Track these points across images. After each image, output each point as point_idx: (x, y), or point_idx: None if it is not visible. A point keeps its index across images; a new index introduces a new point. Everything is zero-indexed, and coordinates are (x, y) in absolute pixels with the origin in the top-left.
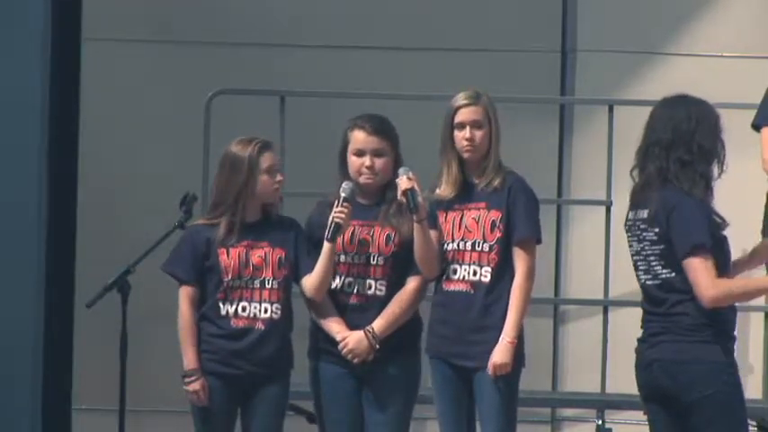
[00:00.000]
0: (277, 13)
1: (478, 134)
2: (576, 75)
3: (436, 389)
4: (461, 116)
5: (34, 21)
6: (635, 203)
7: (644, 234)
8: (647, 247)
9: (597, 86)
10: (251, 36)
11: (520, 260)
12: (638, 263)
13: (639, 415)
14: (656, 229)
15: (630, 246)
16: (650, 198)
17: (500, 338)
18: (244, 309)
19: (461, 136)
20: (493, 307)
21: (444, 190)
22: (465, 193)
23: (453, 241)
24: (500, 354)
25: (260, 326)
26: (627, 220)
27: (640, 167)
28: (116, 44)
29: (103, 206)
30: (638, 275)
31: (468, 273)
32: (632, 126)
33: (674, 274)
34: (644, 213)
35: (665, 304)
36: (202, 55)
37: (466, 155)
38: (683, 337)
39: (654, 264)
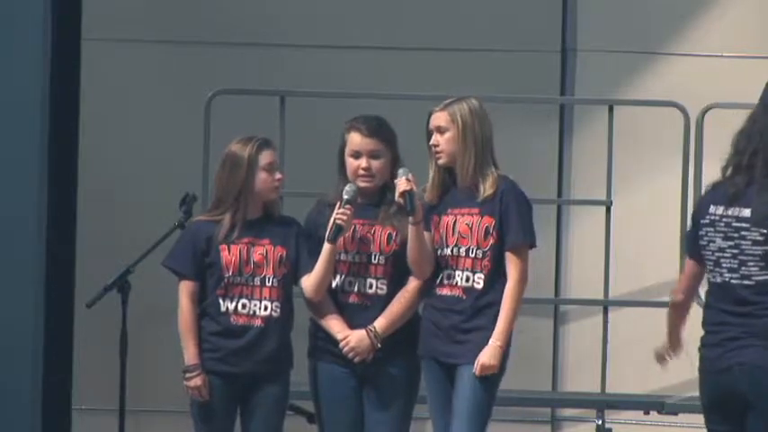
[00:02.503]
0: (277, 13)
1: (441, 139)
2: (576, 75)
3: (428, 390)
4: (431, 123)
5: (34, 21)
6: (726, 199)
7: (743, 233)
8: (743, 246)
9: (597, 86)
10: (251, 36)
11: (512, 266)
12: (722, 260)
13: (639, 415)
14: (764, 230)
15: (713, 241)
16: (756, 198)
17: (490, 341)
18: (243, 306)
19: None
20: (483, 311)
21: (428, 195)
22: (457, 198)
23: (447, 247)
24: (488, 356)
25: (259, 323)
26: (708, 214)
27: (741, 166)
28: (116, 44)
29: (103, 206)
30: (718, 272)
31: (462, 278)
32: (632, 126)
33: None
34: (745, 212)
35: (755, 306)
36: (202, 55)
37: (437, 160)
38: None
39: (750, 264)
